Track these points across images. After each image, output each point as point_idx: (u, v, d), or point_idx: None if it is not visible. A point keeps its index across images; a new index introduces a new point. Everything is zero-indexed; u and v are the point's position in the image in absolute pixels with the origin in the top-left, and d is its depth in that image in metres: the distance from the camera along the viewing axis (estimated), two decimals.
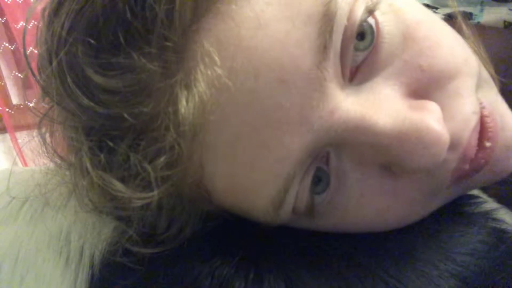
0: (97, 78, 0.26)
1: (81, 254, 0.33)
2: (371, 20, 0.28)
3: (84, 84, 0.27)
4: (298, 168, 0.28)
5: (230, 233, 0.33)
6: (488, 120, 0.30)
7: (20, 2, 1.67)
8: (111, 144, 0.28)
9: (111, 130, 0.28)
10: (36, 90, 0.33)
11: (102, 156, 0.28)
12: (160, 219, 0.30)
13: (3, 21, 1.71)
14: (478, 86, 0.30)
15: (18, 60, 1.76)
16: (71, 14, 0.26)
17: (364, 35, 0.28)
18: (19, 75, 1.76)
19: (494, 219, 0.34)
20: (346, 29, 0.27)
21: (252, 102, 0.26)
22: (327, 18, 0.26)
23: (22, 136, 1.71)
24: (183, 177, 0.28)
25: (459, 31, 0.33)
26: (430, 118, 0.26)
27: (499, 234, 0.33)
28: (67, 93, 0.27)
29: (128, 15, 0.25)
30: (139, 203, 0.28)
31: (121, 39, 0.25)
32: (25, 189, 0.37)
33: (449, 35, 0.31)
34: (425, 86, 0.28)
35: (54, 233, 0.34)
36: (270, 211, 0.29)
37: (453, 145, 0.28)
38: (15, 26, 1.67)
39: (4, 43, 1.74)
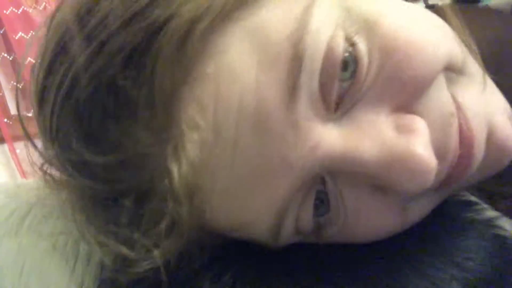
0: (92, 158, 0.27)
1: (88, 261, 0.33)
2: (350, 49, 0.27)
3: (82, 166, 0.28)
4: (288, 202, 0.28)
5: (227, 248, 0.33)
6: (461, 121, 0.29)
7: (19, 13, 1.68)
8: (111, 214, 0.29)
9: (109, 199, 0.29)
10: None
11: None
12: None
13: (1, 32, 1.72)
14: (457, 82, 0.30)
15: (17, 70, 1.76)
16: (57, 105, 0.28)
17: (346, 64, 0.27)
18: (18, 85, 1.76)
19: (495, 226, 0.34)
20: (325, 67, 0.26)
21: (235, 154, 0.26)
22: (295, 59, 0.25)
23: (21, 147, 1.70)
24: (185, 231, 0.28)
25: (448, 23, 0.32)
26: (416, 143, 0.26)
27: (501, 240, 0.33)
28: (68, 173, 0.30)
29: (112, 105, 0.26)
30: (144, 266, 0.28)
31: (109, 126, 0.27)
32: (27, 200, 0.38)
33: (431, 33, 0.30)
34: (408, 97, 0.28)
35: (59, 242, 0.35)
36: (270, 240, 0.30)
37: (440, 156, 0.27)
38: (14, 36, 1.67)
39: (3, 53, 1.74)
